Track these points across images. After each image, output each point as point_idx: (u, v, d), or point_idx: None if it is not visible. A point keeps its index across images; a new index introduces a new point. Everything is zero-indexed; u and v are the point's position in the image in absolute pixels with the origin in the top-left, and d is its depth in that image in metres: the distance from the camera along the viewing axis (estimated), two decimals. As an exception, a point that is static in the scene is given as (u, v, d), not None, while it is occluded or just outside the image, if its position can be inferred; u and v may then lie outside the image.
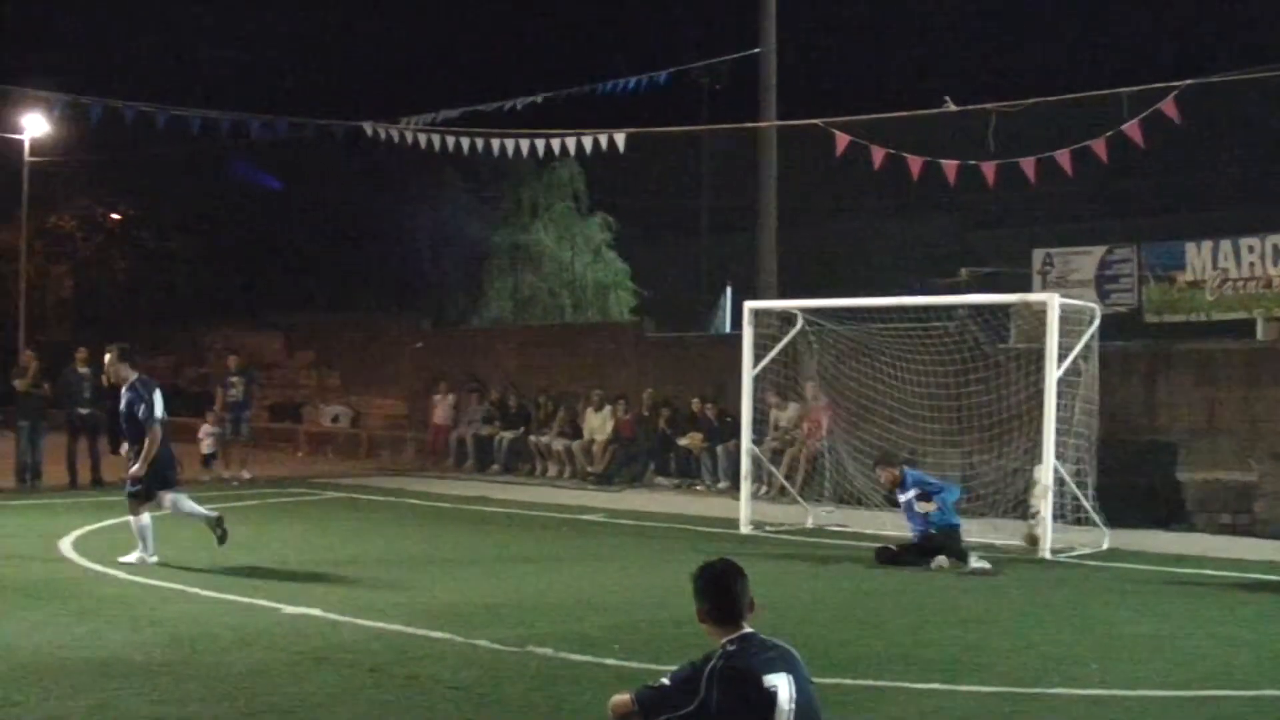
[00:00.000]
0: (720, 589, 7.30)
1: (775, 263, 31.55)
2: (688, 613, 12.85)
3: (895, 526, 19.83)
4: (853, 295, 21.94)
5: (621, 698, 7.23)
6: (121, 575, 15.78)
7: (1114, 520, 19.69)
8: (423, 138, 28.27)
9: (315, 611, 13.41)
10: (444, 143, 27.89)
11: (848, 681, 10.73)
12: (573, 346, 36.06)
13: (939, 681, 10.72)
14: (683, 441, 27.95)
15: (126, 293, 59.11)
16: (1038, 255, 27.56)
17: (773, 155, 31.33)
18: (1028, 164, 22.02)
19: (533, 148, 27.33)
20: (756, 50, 32.11)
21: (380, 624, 12.89)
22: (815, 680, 10.38)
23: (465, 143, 27.69)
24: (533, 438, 30.99)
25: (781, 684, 6.97)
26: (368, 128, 29.14)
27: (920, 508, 17.67)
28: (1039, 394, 19.00)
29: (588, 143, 26.53)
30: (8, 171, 48.25)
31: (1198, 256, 25.67)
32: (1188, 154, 30.70)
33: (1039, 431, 18.78)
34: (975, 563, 17.01)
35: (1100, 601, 15.04)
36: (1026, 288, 25.89)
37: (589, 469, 29.23)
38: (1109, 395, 21.86)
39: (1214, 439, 23.06)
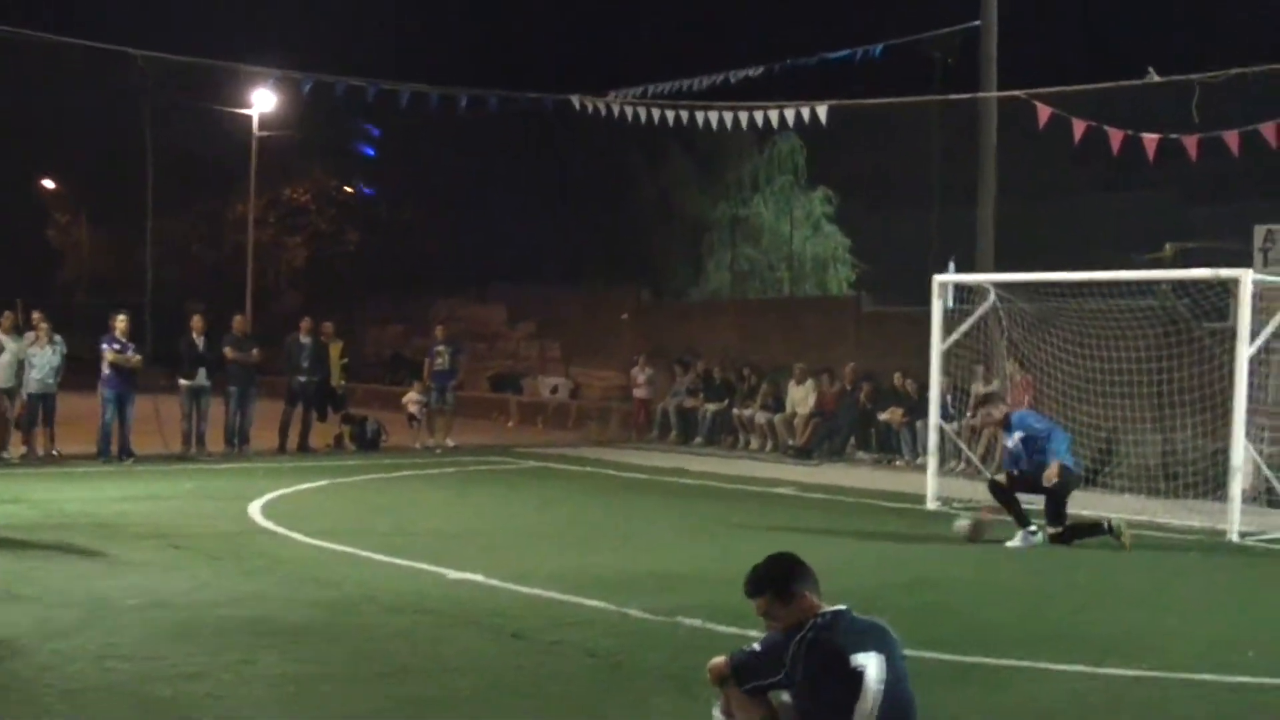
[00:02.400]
0: (800, 567, 7.27)
1: (993, 237, 31.09)
2: (849, 587, 12.88)
3: (1086, 504, 19.49)
4: (1061, 269, 21.43)
5: (719, 660, 7.18)
6: (299, 538, 16.10)
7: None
8: (629, 110, 28.38)
9: (478, 577, 13.54)
10: (649, 115, 27.98)
11: (990, 661, 10.57)
12: (789, 320, 35.97)
13: (1084, 664, 10.48)
14: (883, 416, 27.69)
15: (357, 264, 60.19)
16: (1259, 232, 26.73)
17: (992, 128, 30.83)
18: (1231, 137, 21.39)
19: (735, 120, 27.18)
20: (977, 23, 31.64)
21: (538, 590, 12.98)
22: (958, 659, 10.42)
23: (670, 115, 27.74)
24: (736, 410, 30.95)
25: (871, 663, 6.85)
26: (575, 101, 29.32)
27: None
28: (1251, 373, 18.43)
29: (790, 115, 26.37)
30: (239, 145, 49.45)
31: None
32: None
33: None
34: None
35: (1280, 586, 14.65)
36: (1246, 264, 25.15)
37: (789, 442, 29.11)
38: None
39: None
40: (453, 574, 13.71)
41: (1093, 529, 17.02)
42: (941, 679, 9.98)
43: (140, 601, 12.02)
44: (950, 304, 22.56)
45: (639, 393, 33.89)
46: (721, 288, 46.45)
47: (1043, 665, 10.47)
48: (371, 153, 56.39)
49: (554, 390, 41.05)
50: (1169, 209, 35.00)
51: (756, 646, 7.01)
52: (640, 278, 46.76)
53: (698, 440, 31.17)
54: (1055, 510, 16.97)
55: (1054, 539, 16.91)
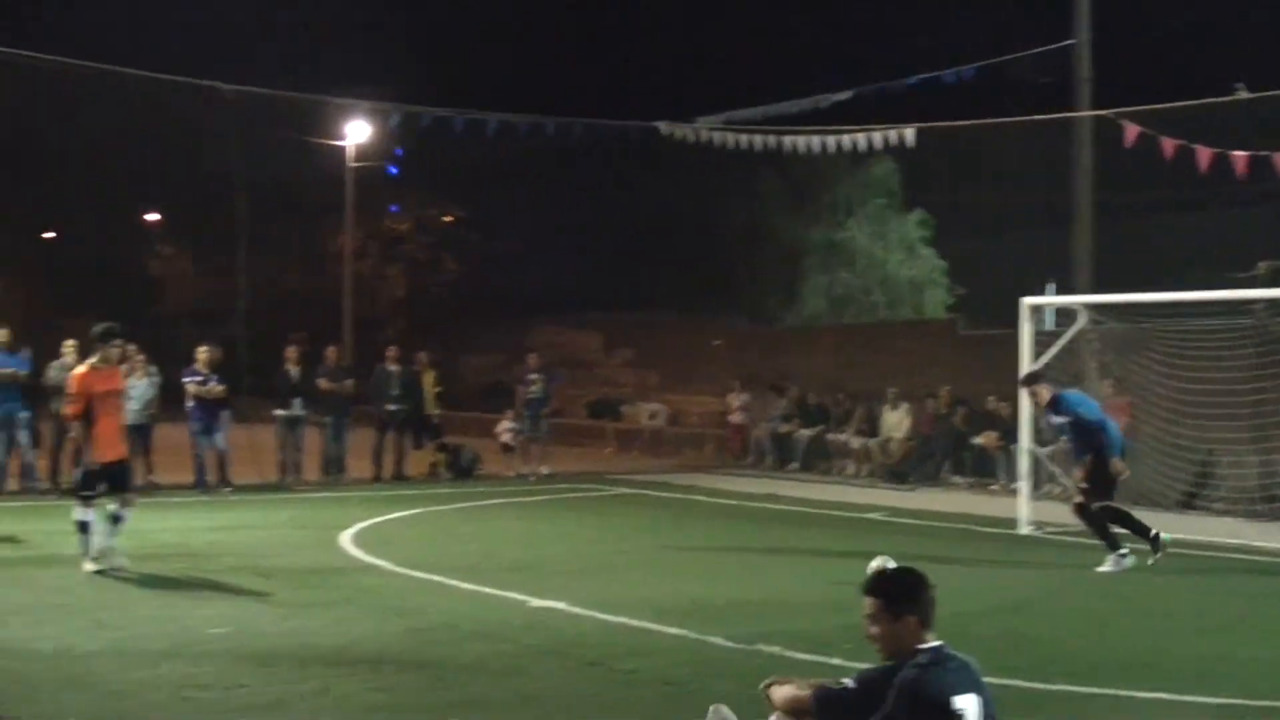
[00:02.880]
0: (925, 591, 6.84)
1: (1089, 258, 30.84)
2: (939, 614, 12.71)
3: (1183, 528, 19.33)
4: (1158, 289, 21.22)
5: (793, 691, 7.03)
6: (387, 566, 16.20)
7: None
8: (717, 136, 28.42)
9: (561, 605, 13.56)
10: (737, 141, 28.00)
11: (1069, 688, 10.46)
12: (885, 344, 35.79)
13: (1167, 691, 10.36)
14: (978, 440, 27.51)
15: (456, 293, 60.56)
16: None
17: (1087, 148, 30.59)
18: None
19: (824, 145, 27.18)
20: (1070, 42, 31.42)
21: (621, 619, 12.98)
22: (1036, 686, 10.33)
23: (758, 140, 27.76)
24: (831, 436, 30.85)
25: (970, 706, 6.63)
26: (663, 127, 29.38)
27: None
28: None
29: (878, 139, 26.31)
30: (335, 176, 49.90)
31: None
32: None
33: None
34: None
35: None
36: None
37: (884, 466, 28.98)
38: None
39: None
40: (535, 602, 13.73)
41: (1109, 539, 16.89)
42: (1018, 706, 9.86)
43: (224, 631, 12.14)
44: (1051, 325, 22.44)
45: (734, 419, 33.91)
46: (817, 313, 46.32)
47: (1124, 693, 10.36)
48: (395, 171, 56.65)
49: (652, 416, 41.06)
50: (1267, 226, 34.59)
51: (849, 683, 6.69)
52: (735, 304, 46.78)
53: (793, 466, 31.07)
54: (1104, 490, 16.95)
55: (1075, 509, 17.15)
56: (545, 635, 12.22)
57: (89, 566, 15.27)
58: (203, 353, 25.28)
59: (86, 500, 15.46)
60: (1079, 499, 17.33)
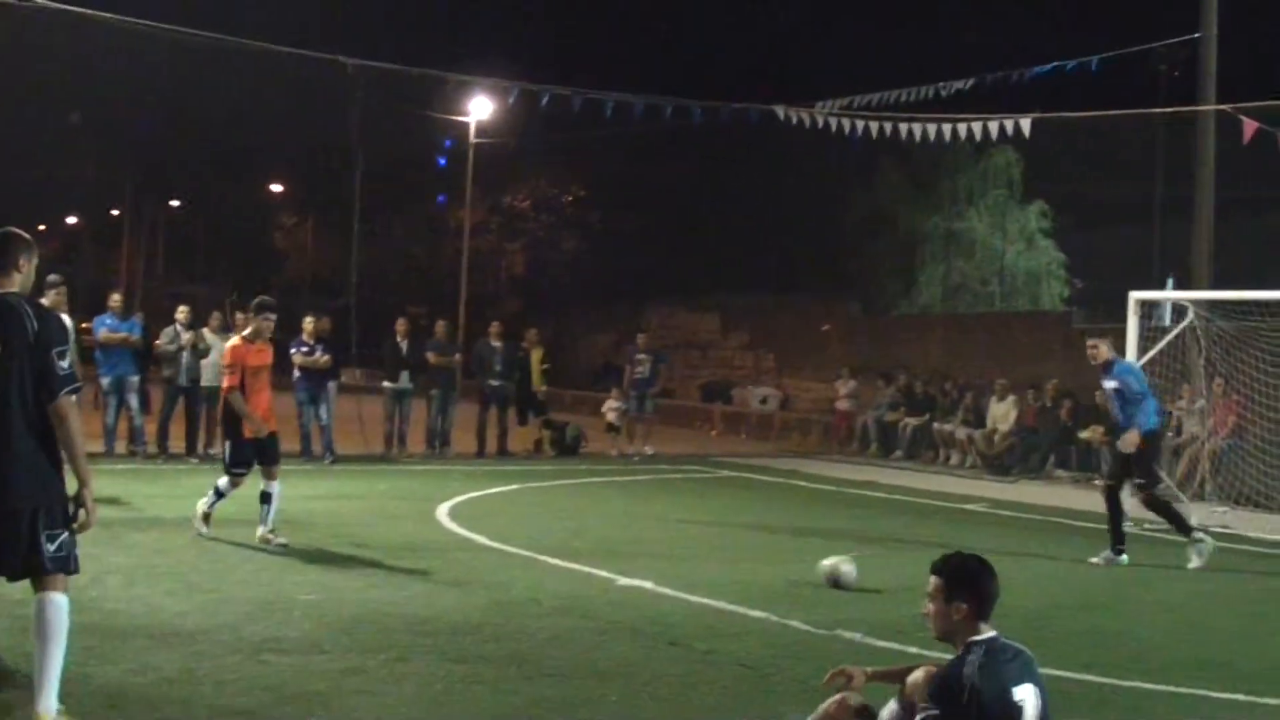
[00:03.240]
0: (984, 583, 6.91)
1: (1209, 253, 30.52)
2: (1017, 605, 12.82)
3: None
4: (1269, 288, 20.96)
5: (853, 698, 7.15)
6: (479, 539, 16.35)
7: None
8: (834, 121, 28.36)
9: (647, 584, 13.65)
10: (854, 126, 27.93)
11: (1145, 685, 10.38)
12: (998, 335, 35.72)
13: (1244, 693, 10.26)
14: (1083, 434, 27.31)
15: (573, 271, 60.82)
16: None
17: (1210, 143, 30.25)
18: None
19: (939, 132, 27.04)
20: (1197, 35, 31.06)
21: (705, 600, 13.05)
22: (1112, 682, 10.31)
23: (875, 126, 27.65)
24: (936, 425, 30.75)
25: (1029, 696, 6.68)
26: (780, 112, 29.35)
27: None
28: None
29: (994, 128, 26.15)
30: (459, 151, 50.26)
31: None
32: None
33: None
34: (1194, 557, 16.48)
35: None
36: None
37: (988, 458, 28.86)
38: None
39: None
40: (622, 580, 13.82)
41: (1179, 522, 17.00)
42: (1090, 701, 9.90)
43: (310, 598, 12.31)
44: (1168, 321, 22.23)
45: (841, 405, 33.91)
46: (932, 301, 46.19)
47: (1200, 692, 10.28)
48: (443, 162, 56.85)
49: (764, 401, 41.11)
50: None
51: (934, 710, 6.64)
52: (852, 290, 46.70)
53: (897, 454, 31.02)
54: (1146, 469, 16.90)
55: (1144, 500, 17.12)
56: (628, 613, 12.29)
57: (203, 529, 15.63)
58: (309, 323, 25.59)
59: (237, 478, 15.67)
60: (1110, 483, 17.40)
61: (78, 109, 60.87)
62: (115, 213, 76.13)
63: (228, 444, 15.82)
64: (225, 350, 16.13)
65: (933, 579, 6.91)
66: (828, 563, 13.93)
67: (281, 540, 15.24)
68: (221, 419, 16.33)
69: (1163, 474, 16.94)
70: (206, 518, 15.66)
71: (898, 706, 7.16)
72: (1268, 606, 14.53)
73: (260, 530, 15.38)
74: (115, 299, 24.96)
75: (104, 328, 24.12)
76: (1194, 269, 30.21)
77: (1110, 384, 17.00)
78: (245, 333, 16.01)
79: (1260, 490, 21.74)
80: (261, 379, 15.80)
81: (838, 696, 7.34)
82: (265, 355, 15.95)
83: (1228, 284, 25.26)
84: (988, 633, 6.80)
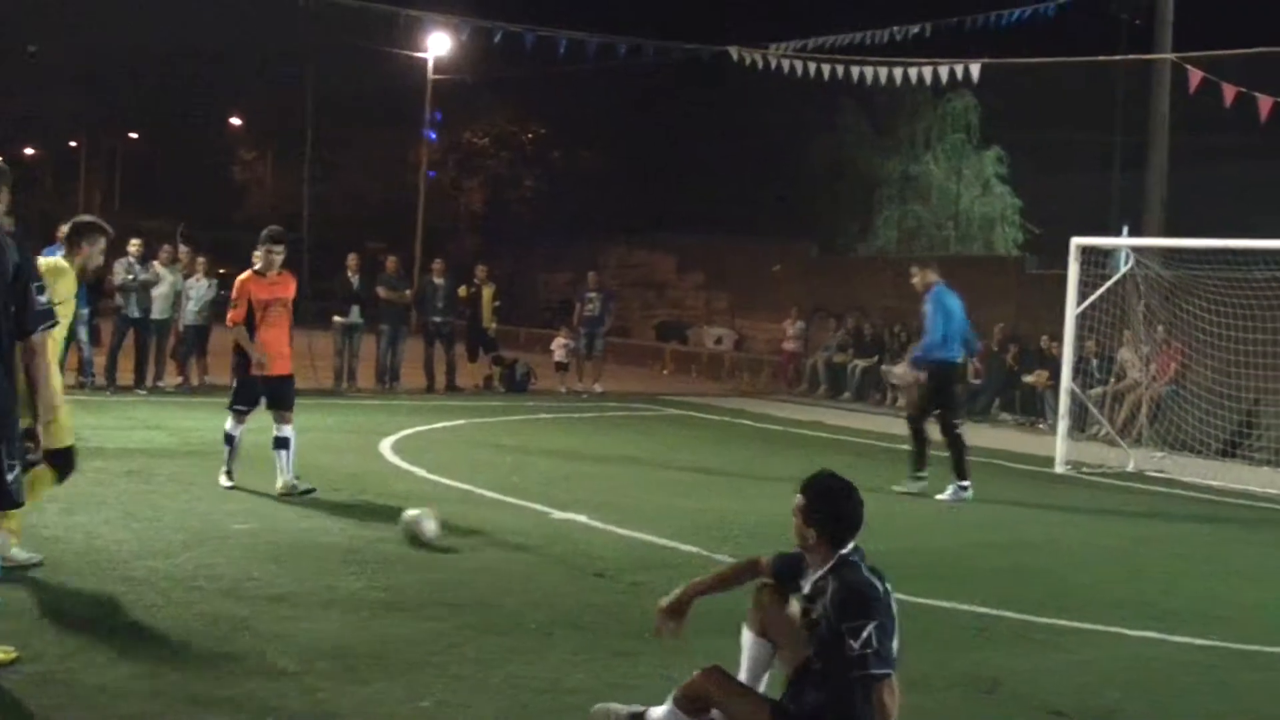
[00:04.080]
0: (842, 512, 7.02)
1: (1161, 202, 30.73)
2: (947, 545, 13.01)
3: (1226, 477, 19.54)
4: (1226, 237, 21.11)
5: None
6: (420, 473, 16.53)
7: None
8: (786, 62, 28.44)
9: (581, 518, 13.84)
10: (806, 68, 28.00)
11: (1063, 623, 10.59)
12: (952, 279, 35.59)
13: (1156, 630, 10.49)
14: (1028, 379, 27.57)
15: (533, 209, 60.82)
16: None
17: (1165, 92, 30.41)
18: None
19: (890, 76, 27.10)
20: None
21: (637, 534, 13.23)
22: (1030, 619, 10.55)
23: (827, 69, 27.73)
24: (885, 367, 30.92)
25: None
26: (734, 52, 29.40)
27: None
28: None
29: (944, 73, 26.27)
30: (417, 88, 50.11)
31: None
32: None
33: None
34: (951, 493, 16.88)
35: (1395, 566, 14.47)
36: None
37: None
38: None
39: None
40: (557, 514, 14.00)
41: (921, 455, 17.47)
42: (1009, 637, 10.13)
43: (247, 528, 12.47)
44: (1120, 268, 22.43)
45: (788, 346, 34.07)
46: (888, 244, 46.38)
47: (1114, 630, 10.51)
48: (433, 136, 56.73)
49: (718, 341, 41.30)
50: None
51: (871, 621, 6.68)
52: (810, 231, 46.83)
53: (846, 395, 31.22)
54: (944, 398, 17.46)
55: (938, 427, 17.55)
56: (559, 546, 12.45)
57: (223, 481, 14.71)
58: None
59: (239, 415, 14.83)
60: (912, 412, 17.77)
61: (37, 40, 60.54)
62: (74, 144, 75.90)
63: (235, 381, 15.00)
64: (235, 283, 15.15)
65: (798, 496, 7.09)
66: (409, 514, 12.59)
67: (306, 487, 14.49)
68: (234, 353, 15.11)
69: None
70: (229, 473, 14.79)
71: (752, 635, 7.33)
72: (1193, 549, 14.79)
73: (280, 480, 14.52)
74: (64, 230, 24.88)
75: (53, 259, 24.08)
76: (1145, 216, 30.44)
77: (928, 310, 17.35)
78: (256, 266, 15.12)
79: (1197, 436, 22.00)
80: (275, 314, 14.81)
81: (757, 583, 7.46)
82: (280, 289, 14.97)
83: (1179, 232, 25.45)
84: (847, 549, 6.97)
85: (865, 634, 6.60)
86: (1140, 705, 8.61)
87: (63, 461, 10.16)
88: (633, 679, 8.46)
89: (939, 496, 16.83)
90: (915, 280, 17.60)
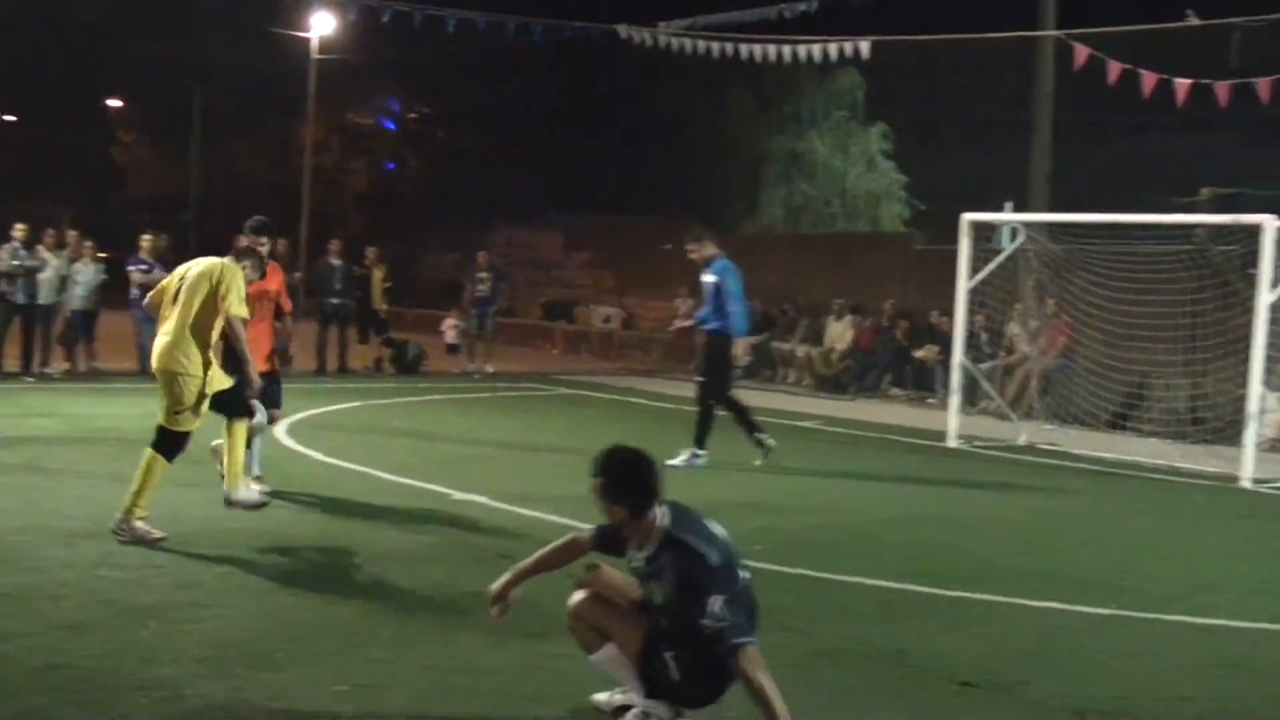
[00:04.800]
0: (640, 483, 7.10)
1: (1046, 177, 31.08)
2: (847, 520, 13.13)
3: (1116, 449, 20.06)
4: (1112, 212, 21.34)
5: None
6: (317, 456, 16.43)
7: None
8: (676, 42, 28.49)
9: (481, 499, 13.83)
10: (695, 47, 28.07)
11: (969, 595, 10.71)
12: (840, 256, 35.99)
13: (1060, 601, 10.61)
14: (918, 354, 27.82)
15: (419, 190, 60.56)
16: (1310, 176, 26.50)
17: (1048, 68, 30.76)
18: (1264, 84, 21.33)
19: (779, 54, 27.27)
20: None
21: (538, 514, 13.24)
22: (937, 592, 10.66)
23: (715, 47, 27.81)
24: (775, 344, 31.09)
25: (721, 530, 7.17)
26: (622, 31, 29.41)
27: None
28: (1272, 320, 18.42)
29: (834, 50, 26.43)
30: (301, 69, 49.71)
31: None
32: None
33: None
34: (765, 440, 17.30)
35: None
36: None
37: (825, 376, 29.28)
38: None
39: None
40: (457, 495, 13.99)
41: (747, 423, 17.72)
42: (915, 610, 10.22)
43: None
44: (1005, 244, 22.67)
45: (680, 322, 33.99)
46: (775, 222, 46.54)
47: (1019, 601, 10.61)
48: (393, 126, 56.51)
49: (606, 320, 41.25)
50: (1233, 153, 34.82)
51: (719, 595, 6.78)
52: (697, 210, 46.87)
53: (736, 373, 31.22)
54: (720, 369, 17.58)
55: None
56: (461, 527, 12.48)
57: (257, 492, 13.43)
58: (146, 241, 25.37)
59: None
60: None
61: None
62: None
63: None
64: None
65: (593, 480, 7.15)
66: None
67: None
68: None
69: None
70: (258, 478, 13.87)
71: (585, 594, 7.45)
72: (1089, 520, 14.97)
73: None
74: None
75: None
76: (1031, 192, 30.77)
77: (709, 279, 17.34)
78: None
79: (1087, 409, 22.27)
80: (260, 309, 13.78)
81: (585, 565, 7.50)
82: (265, 280, 13.99)
83: (1063, 207, 25.75)
84: (659, 513, 7.04)
85: (711, 610, 6.68)
86: (1048, 674, 8.71)
87: None
88: (546, 659, 8.49)
89: (670, 461, 16.70)
90: (694, 254, 17.60)
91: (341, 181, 62.09)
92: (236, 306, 11.70)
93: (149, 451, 11.52)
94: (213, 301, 11.64)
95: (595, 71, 49.01)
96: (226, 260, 12.08)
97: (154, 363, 11.92)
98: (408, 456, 16.78)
